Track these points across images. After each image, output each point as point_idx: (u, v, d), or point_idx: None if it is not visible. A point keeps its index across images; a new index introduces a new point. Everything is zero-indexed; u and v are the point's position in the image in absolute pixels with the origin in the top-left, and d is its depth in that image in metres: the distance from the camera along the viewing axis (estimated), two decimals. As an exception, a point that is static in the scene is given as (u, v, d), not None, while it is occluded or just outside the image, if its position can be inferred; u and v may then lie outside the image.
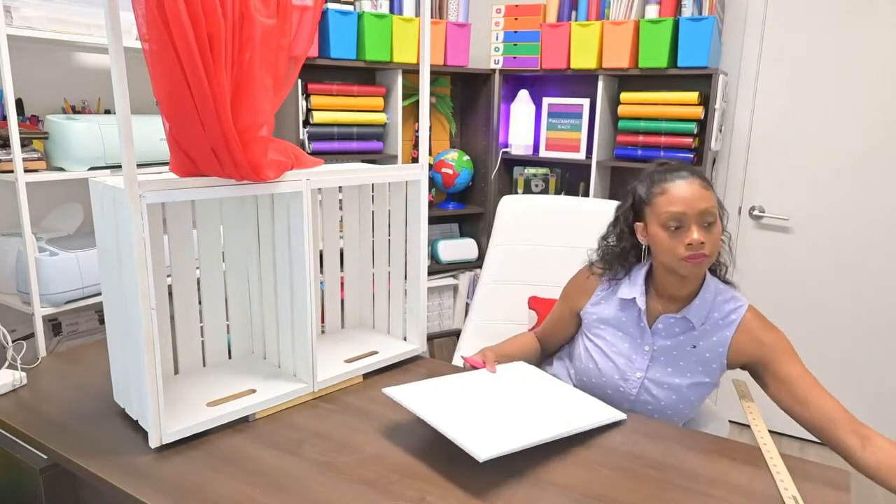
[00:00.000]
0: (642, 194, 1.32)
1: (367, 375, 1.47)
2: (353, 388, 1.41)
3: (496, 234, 1.98)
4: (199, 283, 1.38)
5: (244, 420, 1.25)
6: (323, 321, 1.68)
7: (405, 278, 1.58)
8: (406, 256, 1.56)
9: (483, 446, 1.03)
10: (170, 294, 1.34)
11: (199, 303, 1.40)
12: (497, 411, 1.17)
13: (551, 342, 1.58)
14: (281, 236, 1.32)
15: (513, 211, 1.97)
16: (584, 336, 1.46)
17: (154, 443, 1.13)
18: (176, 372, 1.39)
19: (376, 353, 1.52)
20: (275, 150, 1.21)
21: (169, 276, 1.34)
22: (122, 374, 1.22)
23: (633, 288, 1.38)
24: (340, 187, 1.59)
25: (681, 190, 1.25)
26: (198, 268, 1.37)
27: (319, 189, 1.56)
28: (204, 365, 1.43)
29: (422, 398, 1.18)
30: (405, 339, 1.61)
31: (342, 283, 1.67)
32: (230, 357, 1.48)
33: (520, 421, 1.15)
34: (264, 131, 1.15)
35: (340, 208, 1.61)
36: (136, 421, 1.23)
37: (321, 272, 1.63)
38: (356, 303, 1.71)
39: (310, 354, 1.33)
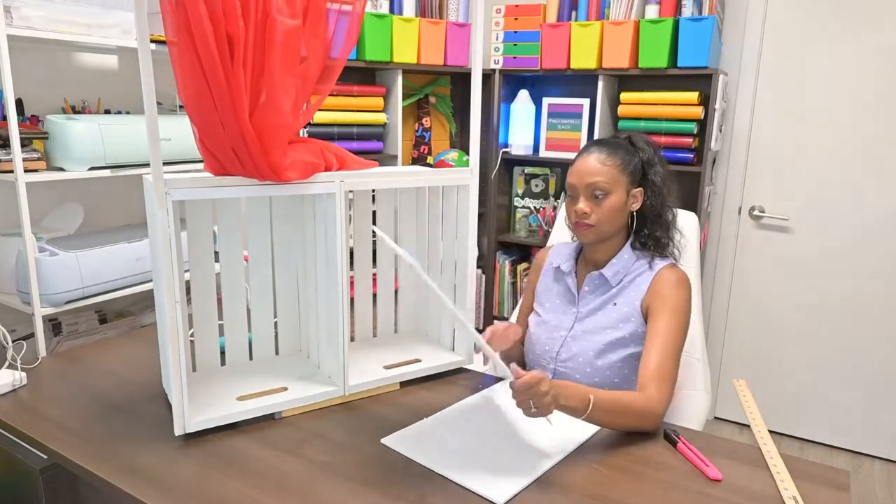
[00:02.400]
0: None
1: (405, 383, 1.44)
2: (388, 396, 1.38)
3: (554, 233, 1.99)
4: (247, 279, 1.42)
5: (258, 419, 1.26)
6: (375, 325, 1.65)
7: (455, 286, 1.54)
8: (456, 264, 1.53)
9: (499, 490, 1.03)
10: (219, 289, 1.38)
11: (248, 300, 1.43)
12: (497, 446, 1.16)
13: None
14: (319, 238, 1.33)
15: None
16: (533, 313, 1.54)
17: (178, 430, 1.16)
18: (223, 364, 1.43)
19: (419, 360, 1.49)
20: (306, 152, 1.21)
21: (218, 272, 1.37)
22: (164, 366, 1.26)
23: (563, 258, 1.50)
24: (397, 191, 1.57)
25: (580, 163, 1.36)
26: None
27: (373, 191, 1.53)
28: (251, 359, 1.46)
29: (423, 446, 1.16)
30: (453, 350, 1.57)
31: (395, 289, 1.64)
32: (277, 353, 1.50)
33: (521, 453, 1.14)
34: (286, 132, 1.15)
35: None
36: (139, 420, 1.23)
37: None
38: (411, 309, 1.67)
39: (341, 357, 1.32)
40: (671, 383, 1.24)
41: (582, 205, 1.34)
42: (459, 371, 1.52)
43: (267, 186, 1.18)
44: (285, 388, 1.31)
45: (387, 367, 1.44)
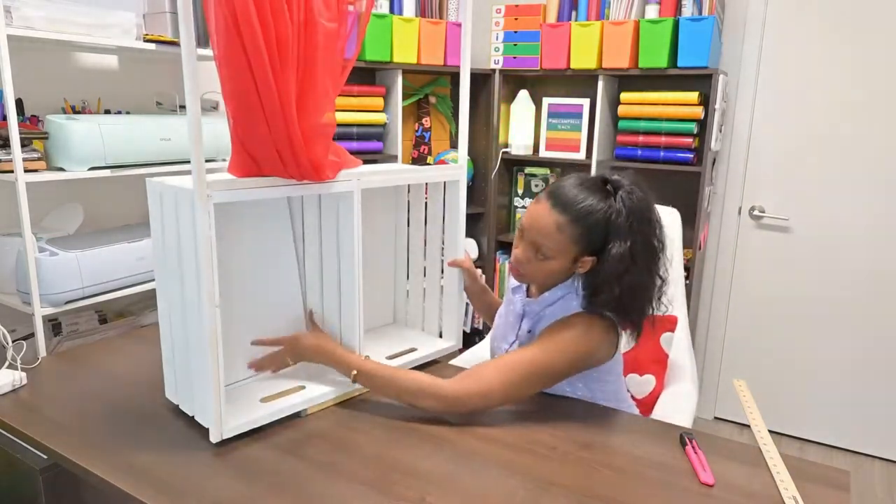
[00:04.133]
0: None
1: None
2: None
3: None
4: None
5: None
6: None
7: (441, 275, 1.60)
8: (443, 254, 1.59)
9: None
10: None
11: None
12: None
13: None
14: (329, 235, 1.34)
15: None
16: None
17: (215, 438, 1.15)
18: None
19: (415, 349, 1.54)
20: (331, 151, 1.26)
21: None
22: (180, 371, 1.23)
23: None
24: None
25: (538, 209, 1.24)
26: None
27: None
28: None
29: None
30: (440, 337, 1.62)
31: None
32: None
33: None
34: (330, 132, 1.20)
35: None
36: (139, 420, 1.23)
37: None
38: (388, 300, 1.71)
39: (358, 351, 1.35)
40: (480, 385, 1.20)
41: (520, 252, 1.26)
42: (444, 358, 1.58)
43: (299, 186, 1.20)
44: (303, 387, 1.32)
45: (390, 358, 1.48)
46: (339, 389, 1.33)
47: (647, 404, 1.61)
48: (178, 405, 1.27)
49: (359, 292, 1.32)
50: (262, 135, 1.10)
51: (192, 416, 1.22)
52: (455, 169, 1.53)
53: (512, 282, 1.46)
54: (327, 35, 1.12)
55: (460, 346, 1.60)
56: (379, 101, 2.68)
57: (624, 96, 2.65)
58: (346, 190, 1.27)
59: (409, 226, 1.62)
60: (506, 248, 3.21)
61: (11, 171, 1.68)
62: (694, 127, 2.52)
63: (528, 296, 1.40)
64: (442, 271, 1.59)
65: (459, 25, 2.79)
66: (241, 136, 1.12)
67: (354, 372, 1.26)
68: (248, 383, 1.34)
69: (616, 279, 1.19)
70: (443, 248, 1.59)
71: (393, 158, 2.73)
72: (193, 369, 1.18)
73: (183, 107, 2.23)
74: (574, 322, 1.26)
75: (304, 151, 1.14)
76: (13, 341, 1.45)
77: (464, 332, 3.10)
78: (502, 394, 1.21)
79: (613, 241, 1.19)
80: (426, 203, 1.60)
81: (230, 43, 1.02)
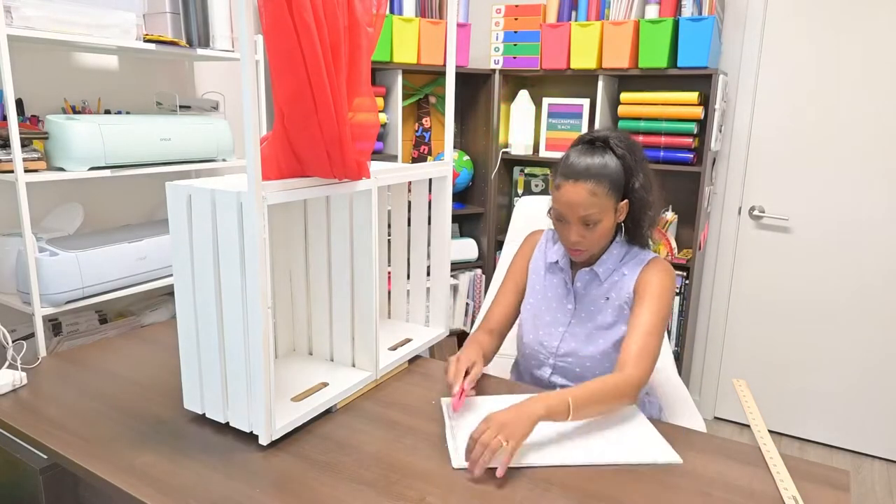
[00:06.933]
0: (553, 178, 1.41)
1: (410, 360, 1.55)
2: (400, 375, 1.48)
3: (510, 233, 2.02)
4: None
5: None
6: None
7: (427, 268, 1.63)
8: (429, 247, 1.63)
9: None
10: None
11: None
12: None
13: (497, 320, 1.53)
14: (341, 232, 1.35)
15: (528, 212, 2.02)
16: (525, 300, 1.54)
17: (265, 440, 1.14)
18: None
19: (410, 339, 1.58)
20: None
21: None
22: (207, 377, 1.21)
23: (558, 251, 1.50)
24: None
25: (567, 194, 1.34)
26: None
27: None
28: None
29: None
30: (427, 326, 1.67)
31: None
32: (276, 356, 1.49)
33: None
34: (376, 132, 1.25)
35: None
36: (138, 420, 1.23)
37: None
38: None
39: (373, 343, 1.37)
40: (651, 360, 1.29)
41: (575, 236, 1.36)
42: (416, 359, 1.59)
43: (340, 185, 1.23)
44: (326, 384, 1.34)
45: (391, 349, 1.51)
46: (361, 382, 1.36)
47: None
48: (192, 410, 1.26)
49: (376, 286, 1.34)
50: (314, 135, 1.13)
51: (211, 420, 1.22)
52: (445, 166, 1.56)
53: (550, 256, 1.51)
54: (369, 39, 1.18)
55: (447, 332, 1.66)
56: (379, 101, 2.68)
57: (624, 96, 2.65)
58: (366, 188, 1.29)
59: (389, 221, 1.65)
60: (506, 248, 3.21)
61: (11, 171, 1.68)
62: (694, 127, 2.52)
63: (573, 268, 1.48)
64: (428, 264, 1.63)
65: (459, 25, 2.79)
66: (293, 137, 1.14)
67: (571, 407, 1.16)
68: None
69: (649, 205, 1.39)
70: (429, 243, 1.63)
71: (393, 158, 2.73)
72: (231, 373, 1.17)
73: (183, 106, 2.23)
74: (658, 266, 1.40)
75: (352, 151, 1.17)
76: (13, 341, 1.45)
77: (465, 333, 3.10)
78: (659, 347, 1.32)
79: (631, 178, 1.37)
80: (409, 202, 1.64)
81: (289, 47, 1.04)
